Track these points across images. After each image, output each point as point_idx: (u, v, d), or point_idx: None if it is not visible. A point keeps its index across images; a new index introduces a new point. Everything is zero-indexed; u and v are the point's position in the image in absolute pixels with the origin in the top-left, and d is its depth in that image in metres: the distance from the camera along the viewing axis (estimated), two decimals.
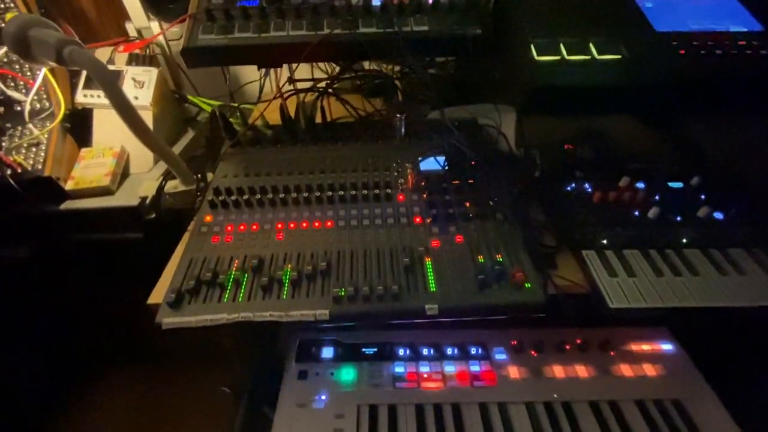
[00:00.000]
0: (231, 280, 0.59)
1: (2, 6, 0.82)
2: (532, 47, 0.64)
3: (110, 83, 0.59)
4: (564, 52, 0.63)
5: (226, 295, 0.58)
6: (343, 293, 0.57)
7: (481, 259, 0.61)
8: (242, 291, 0.58)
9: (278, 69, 0.92)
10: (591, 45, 0.64)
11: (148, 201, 0.78)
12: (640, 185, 0.75)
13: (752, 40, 0.64)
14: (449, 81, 1.09)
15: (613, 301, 0.58)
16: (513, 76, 0.69)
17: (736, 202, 0.69)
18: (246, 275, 0.60)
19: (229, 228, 0.67)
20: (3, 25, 0.82)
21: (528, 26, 0.67)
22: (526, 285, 0.58)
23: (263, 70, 1.10)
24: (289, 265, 0.61)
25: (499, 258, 0.62)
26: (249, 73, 1.26)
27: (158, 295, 0.64)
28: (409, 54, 0.72)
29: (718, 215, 0.69)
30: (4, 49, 0.80)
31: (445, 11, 0.76)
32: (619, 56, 0.63)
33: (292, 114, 0.86)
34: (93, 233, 0.80)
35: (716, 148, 0.76)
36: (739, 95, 0.64)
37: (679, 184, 0.76)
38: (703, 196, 0.72)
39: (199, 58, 0.74)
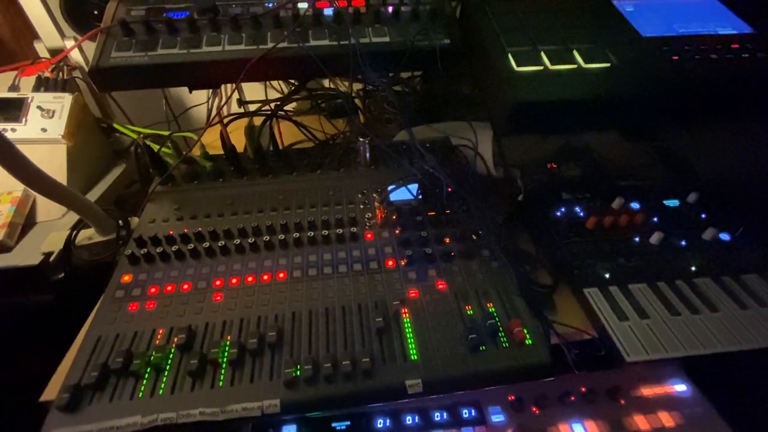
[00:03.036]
0: (149, 365, 0.45)
1: None
2: (511, 57, 0.55)
3: None
4: (546, 61, 0.55)
5: (142, 388, 0.43)
6: (298, 373, 0.44)
7: (469, 310, 0.50)
8: (164, 380, 0.44)
9: (222, 90, 0.80)
10: (575, 52, 0.56)
11: (53, 258, 0.62)
12: (635, 206, 0.68)
13: (745, 43, 0.58)
14: (415, 97, 1.00)
15: (630, 353, 0.49)
16: (490, 90, 0.59)
17: (742, 221, 0.62)
18: (170, 357, 0.46)
19: (153, 290, 0.53)
20: None
21: (503, 34, 0.59)
22: (527, 342, 0.47)
23: (210, 92, 0.98)
24: (228, 338, 0.47)
25: (490, 307, 0.51)
26: (194, 94, 1.12)
27: (55, 387, 0.48)
28: (369, 69, 0.62)
29: (725, 236, 0.62)
30: None
31: (407, 20, 0.67)
32: (607, 64, 0.55)
33: (240, 141, 0.73)
34: None
35: (712, 159, 0.69)
36: (738, 101, 0.57)
37: (674, 202, 0.69)
38: (704, 215, 0.65)
39: (113, 81, 0.61)
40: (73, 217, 0.71)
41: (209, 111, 1.04)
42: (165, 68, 0.60)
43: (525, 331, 0.47)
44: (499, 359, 0.46)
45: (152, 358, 0.45)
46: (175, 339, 0.47)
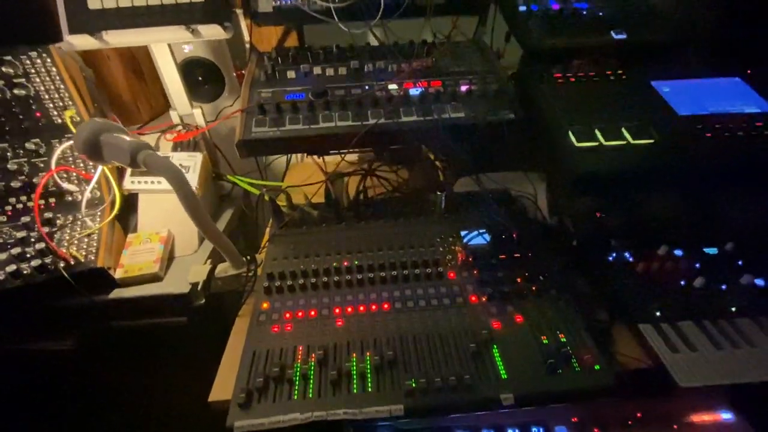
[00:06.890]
0: (298, 374, 0.58)
1: (61, 104, 0.87)
2: (571, 134, 0.69)
3: (183, 184, 0.62)
4: (601, 138, 0.69)
5: (296, 392, 0.57)
6: (414, 384, 0.56)
7: (545, 340, 0.62)
8: (311, 386, 0.57)
9: None
10: (624, 130, 0.70)
11: (199, 287, 0.78)
12: (678, 252, 0.78)
13: None
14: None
15: (682, 379, 0.59)
16: (552, 159, 0.73)
17: None
18: (312, 368, 0.59)
19: (288, 315, 0.68)
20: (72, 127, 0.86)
21: (563, 114, 0.73)
22: (596, 367, 0.58)
23: None
24: (355, 355, 0.60)
25: (562, 338, 0.62)
26: None
27: (219, 390, 0.63)
28: (449, 140, 0.77)
29: (760, 282, 0.71)
30: (63, 147, 0.84)
31: (477, 98, 0.83)
32: (651, 140, 0.68)
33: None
34: (138, 320, 0.80)
35: (745, 216, 0.80)
36: (764, 173, 0.69)
37: (714, 250, 0.79)
38: (740, 262, 0.75)
39: (253, 149, 0.79)
40: (203, 253, 0.88)
41: (288, 161, 1.22)
42: (292, 139, 0.78)
43: (594, 358, 0.58)
44: (574, 380, 0.57)
45: (299, 369, 0.59)
46: (313, 355, 0.60)
